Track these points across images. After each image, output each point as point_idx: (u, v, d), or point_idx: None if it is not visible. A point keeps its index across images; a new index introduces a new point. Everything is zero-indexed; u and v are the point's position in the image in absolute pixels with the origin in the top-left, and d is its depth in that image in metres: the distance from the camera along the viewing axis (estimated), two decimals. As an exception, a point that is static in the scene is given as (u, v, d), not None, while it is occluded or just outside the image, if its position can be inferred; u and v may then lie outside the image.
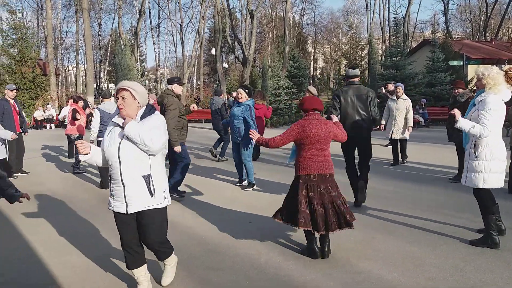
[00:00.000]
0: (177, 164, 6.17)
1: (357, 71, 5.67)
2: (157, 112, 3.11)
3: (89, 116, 9.27)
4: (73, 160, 9.24)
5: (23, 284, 3.52)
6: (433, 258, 3.84)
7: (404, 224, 4.82)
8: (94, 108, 8.85)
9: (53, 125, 22.14)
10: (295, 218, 3.77)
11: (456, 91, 6.89)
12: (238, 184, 7.13)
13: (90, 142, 7.02)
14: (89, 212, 5.69)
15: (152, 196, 2.97)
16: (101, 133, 6.94)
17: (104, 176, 7.08)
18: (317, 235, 3.81)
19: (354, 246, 4.20)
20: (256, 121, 10.14)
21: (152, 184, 2.97)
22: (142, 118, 3.01)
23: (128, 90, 2.98)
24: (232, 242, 4.39)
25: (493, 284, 3.33)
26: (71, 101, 9.59)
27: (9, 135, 6.97)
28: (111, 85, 38.30)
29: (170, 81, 6.31)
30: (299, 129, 3.92)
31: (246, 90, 6.82)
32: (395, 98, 8.63)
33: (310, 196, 3.81)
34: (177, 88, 6.19)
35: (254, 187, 6.81)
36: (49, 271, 3.79)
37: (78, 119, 8.97)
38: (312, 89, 8.40)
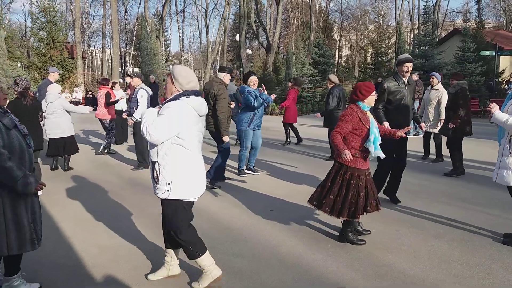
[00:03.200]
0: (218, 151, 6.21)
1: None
2: (180, 99, 2.90)
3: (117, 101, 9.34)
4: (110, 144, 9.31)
5: (50, 263, 3.63)
6: (459, 255, 3.76)
7: (430, 219, 4.72)
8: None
9: (79, 108, 22.61)
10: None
11: (451, 82, 6.86)
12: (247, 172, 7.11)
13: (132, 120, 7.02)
14: (118, 195, 5.80)
15: (156, 184, 2.97)
16: None
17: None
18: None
19: (378, 239, 4.15)
20: (291, 108, 10.21)
21: (157, 172, 2.93)
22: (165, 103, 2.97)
23: (170, 74, 3.00)
24: (255, 230, 4.40)
25: (522, 283, 3.24)
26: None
27: (87, 109, 7.40)
28: (136, 69, 38.65)
29: (221, 69, 6.26)
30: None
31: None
32: (429, 88, 8.34)
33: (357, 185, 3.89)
34: (227, 78, 6.12)
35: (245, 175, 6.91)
36: (76, 251, 3.89)
37: (114, 102, 9.09)
38: (333, 77, 8.25)
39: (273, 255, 3.77)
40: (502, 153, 3.92)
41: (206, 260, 3.13)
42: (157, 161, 2.92)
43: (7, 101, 3.06)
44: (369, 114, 3.90)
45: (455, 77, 6.91)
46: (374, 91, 3.88)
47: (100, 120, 9.18)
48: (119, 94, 10.04)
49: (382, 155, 3.87)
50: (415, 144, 8.88)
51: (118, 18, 36.40)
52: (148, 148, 3.03)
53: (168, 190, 2.92)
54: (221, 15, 38.76)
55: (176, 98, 2.92)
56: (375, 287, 3.22)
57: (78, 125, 14.65)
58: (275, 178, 6.71)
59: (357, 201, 3.79)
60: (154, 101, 18.47)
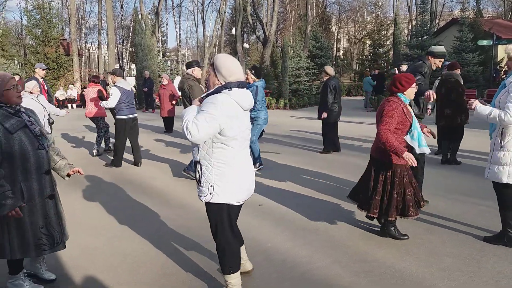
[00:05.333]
0: None
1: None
2: (222, 93, 2.62)
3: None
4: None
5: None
6: (449, 248, 3.66)
7: (422, 212, 4.60)
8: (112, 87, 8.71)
9: (74, 105, 22.47)
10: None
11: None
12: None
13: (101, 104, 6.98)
14: (105, 193, 5.71)
15: (199, 186, 2.76)
16: (122, 111, 6.99)
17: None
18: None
19: (366, 233, 4.06)
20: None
21: (199, 173, 2.72)
22: (206, 97, 2.70)
23: (212, 65, 2.74)
24: (241, 226, 4.22)
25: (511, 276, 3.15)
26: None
27: (62, 112, 7.19)
28: (133, 66, 38.50)
29: (189, 65, 6.17)
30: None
31: (253, 71, 6.66)
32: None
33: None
34: (197, 72, 6.06)
35: (262, 166, 6.77)
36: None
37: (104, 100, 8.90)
38: (329, 68, 8.12)
39: (259, 251, 3.67)
40: (494, 147, 3.67)
41: (234, 279, 2.87)
42: (199, 162, 2.70)
43: (21, 99, 2.83)
44: (410, 107, 3.71)
45: (448, 67, 6.98)
46: (414, 83, 3.68)
47: (93, 118, 8.86)
48: None
49: (428, 151, 3.69)
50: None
51: (114, 14, 36.13)
52: (192, 147, 2.81)
53: (210, 193, 2.68)
54: (218, 9, 38.50)
55: (217, 91, 2.63)
56: (362, 283, 3.13)
57: (70, 121, 14.54)
58: (265, 172, 6.61)
59: (404, 198, 3.63)
60: (149, 96, 18.42)
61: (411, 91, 3.70)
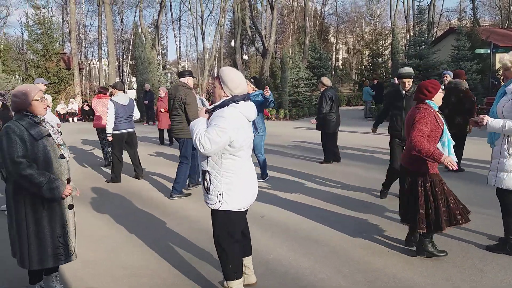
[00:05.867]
0: (182, 163, 6.03)
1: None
2: (230, 106, 2.74)
3: None
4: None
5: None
6: (452, 257, 3.65)
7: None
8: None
9: (75, 119, 22.56)
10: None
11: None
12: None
13: (107, 136, 7.08)
14: (105, 205, 5.71)
15: (207, 194, 2.85)
16: (116, 125, 6.96)
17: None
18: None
19: (368, 243, 4.05)
20: None
21: (208, 182, 2.82)
22: (214, 109, 2.81)
23: (218, 78, 2.83)
24: (243, 238, 4.29)
25: (515, 285, 3.13)
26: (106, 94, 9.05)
27: (55, 121, 6.98)
28: (134, 79, 38.71)
29: (182, 75, 6.20)
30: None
31: (252, 81, 6.70)
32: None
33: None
34: (191, 81, 6.13)
35: (267, 178, 6.73)
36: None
37: None
38: (325, 79, 8.17)
39: (261, 263, 3.66)
40: (499, 155, 3.65)
41: (239, 285, 2.95)
42: (208, 171, 2.82)
43: (46, 111, 2.95)
44: (440, 115, 3.64)
45: (456, 76, 7.08)
46: (441, 89, 3.64)
47: (99, 129, 8.70)
48: None
49: (455, 159, 3.54)
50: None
51: (114, 28, 36.43)
52: (199, 157, 2.93)
53: (219, 201, 2.80)
54: (217, 21, 38.77)
55: (225, 104, 2.76)
56: (364, 293, 3.11)
57: (72, 134, 14.59)
58: (267, 183, 6.61)
59: (449, 207, 3.49)
60: (150, 109, 18.47)
61: (439, 97, 3.62)
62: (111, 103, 6.95)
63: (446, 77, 8.06)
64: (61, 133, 6.44)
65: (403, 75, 5.28)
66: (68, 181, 2.94)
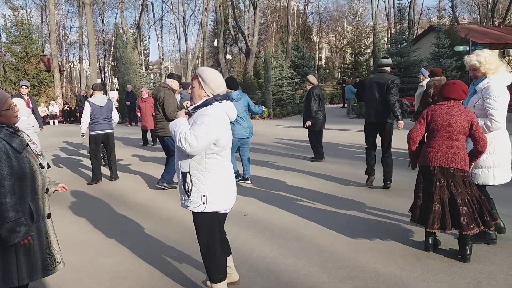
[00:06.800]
0: (171, 155, 6.26)
1: (388, 61, 5.95)
2: (213, 105, 2.72)
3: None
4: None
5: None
6: (434, 251, 3.69)
7: (407, 215, 4.67)
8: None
9: (56, 121, 22.21)
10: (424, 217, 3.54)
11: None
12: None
13: (81, 136, 7.09)
14: (87, 208, 5.63)
15: (188, 197, 2.77)
16: (92, 126, 6.99)
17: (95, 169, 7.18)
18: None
19: (351, 239, 4.08)
20: None
21: (189, 185, 2.74)
22: (195, 110, 2.77)
23: (197, 78, 2.79)
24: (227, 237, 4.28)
25: (493, 276, 3.20)
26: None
27: (37, 128, 7.00)
28: (115, 80, 38.27)
29: (170, 76, 6.45)
30: (430, 112, 3.56)
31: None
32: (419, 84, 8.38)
33: (429, 190, 3.54)
34: (175, 84, 6.33)
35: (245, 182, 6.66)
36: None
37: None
38: (312, 78, 8.21)
39: (244, 261, 3.65)
40: None
41: (222, 287, 2.92)
42: (189, 172, 2.73)
43: (18, 119, 2.71)
44: None
45: (431, 74, 7.14)
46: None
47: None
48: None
49: None
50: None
51: (95, 29, 35.95)
52: (176, 159, 2.85)
53: (203, 203, 2.73)
54: (200, 21, 38.63)
55: (208, 103, 2.72)
56: (346, 289, 3.14)
57: (52, 137, 14.34)
58: (252, 181, 6.60)
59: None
60: (132, 109, 18.28)
61: None
62: (87, 104, 6.97)
63: (420, 75, 8.24)
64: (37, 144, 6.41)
65: (383, 63, 5.86)
66: (47, 191, 2.80)
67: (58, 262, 2.83)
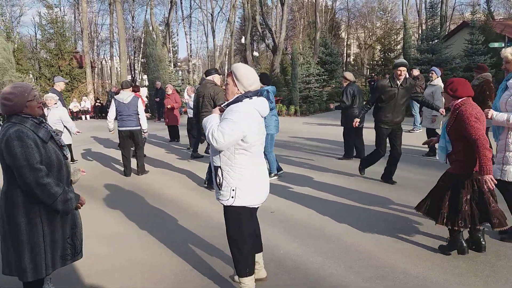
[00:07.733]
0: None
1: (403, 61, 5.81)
2: (244, 102, 2.75)
3: None
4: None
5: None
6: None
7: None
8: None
9: (88, 116, 22.84)
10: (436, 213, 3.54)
11: (475, 74, 6.98)
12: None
13: (109, 131, 7.52)
14: (118, 202, 5.79)
15: (219, 190, 2.86)
16: (119, 122, 7.29)
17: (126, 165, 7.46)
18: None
19: (379, 238, 4.04)
20: None
21: (220, 178, 2.82)
22: (227, 106, 2.82)
23: (231, 75, 2.84)
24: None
25: (528, 281, 3.11)
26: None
27: (74, 130, 7.75)
28: (145, 77, 38.94)
29: (208, 73, 6.48)
30: (479, 114, 3.34)
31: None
32: (429, 83, 8.19)
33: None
34: (217, 78, 6.38)
35: (277, 177, 6.70)
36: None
37: None
38: (348, 74, 8.14)
39: (271, 258, 3.68)
40: (504, 149, 3.69)
41: (250, 282, 2.97)
42: (220, 167, 2.82)
43: (42, 110, 2.79)
44: None
45: (477, 70, 6.89)
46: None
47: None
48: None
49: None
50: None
51: (125, 26, 36.70)
52: (210, 153, 2.95)
53: (232, 197, 2.81)
54: (227, 18, 38.85)
55: (239, 100, 2.77)
56: (374, 289, 3.12)
57: (85, 132, 14.72)
58: (280, 178, 6.61)
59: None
60: (161, 106, 18.55)
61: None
62: (113, 101, 7.34)
63: (432, 73, 8.05)
64: (62, 133, 6.79)
65: (395, 65, 5.72)
66: (71, 182, 2.93)
67: (77, 252, 2.90)
